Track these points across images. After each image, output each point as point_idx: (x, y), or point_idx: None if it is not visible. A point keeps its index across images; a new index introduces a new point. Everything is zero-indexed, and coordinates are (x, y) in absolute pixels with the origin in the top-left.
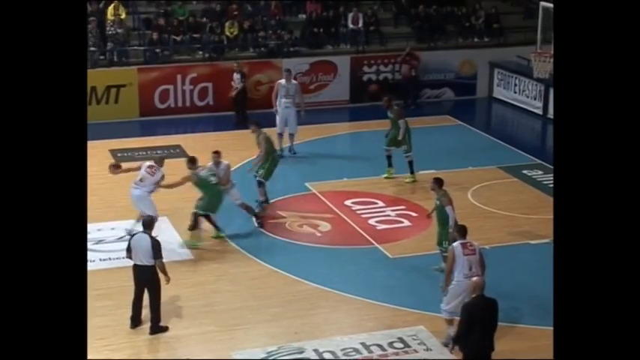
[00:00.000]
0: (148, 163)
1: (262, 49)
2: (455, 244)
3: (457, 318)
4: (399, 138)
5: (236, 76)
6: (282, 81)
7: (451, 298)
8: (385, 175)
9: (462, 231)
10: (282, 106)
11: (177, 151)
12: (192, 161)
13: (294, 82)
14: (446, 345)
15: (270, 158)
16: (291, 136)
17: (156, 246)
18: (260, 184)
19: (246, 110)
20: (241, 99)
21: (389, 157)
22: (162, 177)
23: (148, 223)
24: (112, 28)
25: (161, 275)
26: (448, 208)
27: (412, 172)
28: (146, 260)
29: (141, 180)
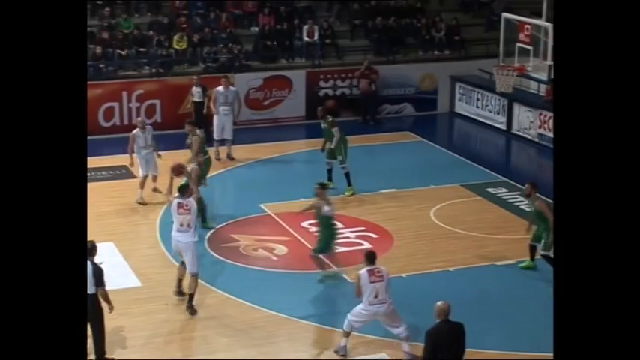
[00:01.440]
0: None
1: (213, 63)
2: (362, 271)
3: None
4: (332, 147)
5: (196, 89)
6: (220, 88)
7: (357, 316)
8: None
9: (371, 257)
10: (220, 113)
11: (123, 172)
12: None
13: (232, 88)
14: (336, 352)
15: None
16: (229, 142)
17: (97, 273)
18: None
19: (209, 126)
20: (202, 113)
21: (329, 171)
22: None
23: (90, 249)
24: None
25: (104, 304)
26: (325, 209)
27: (350, 185)
28: (87, 288)
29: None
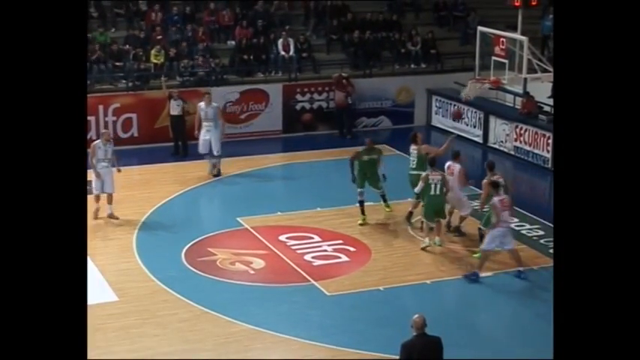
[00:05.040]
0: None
1: (190, 77)
2: (495, 200)
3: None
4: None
5: (175, 102)
6: (202, 104)
7: (492, 241)
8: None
9: (496, 185)
10: (203, 129)
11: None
12: None
13: (214, 104)
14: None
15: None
16: (218, 156)
17: None
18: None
19: (186, 140)
20: (182, 127)
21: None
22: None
23: None
24: None
25: None
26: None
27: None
28: None
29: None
